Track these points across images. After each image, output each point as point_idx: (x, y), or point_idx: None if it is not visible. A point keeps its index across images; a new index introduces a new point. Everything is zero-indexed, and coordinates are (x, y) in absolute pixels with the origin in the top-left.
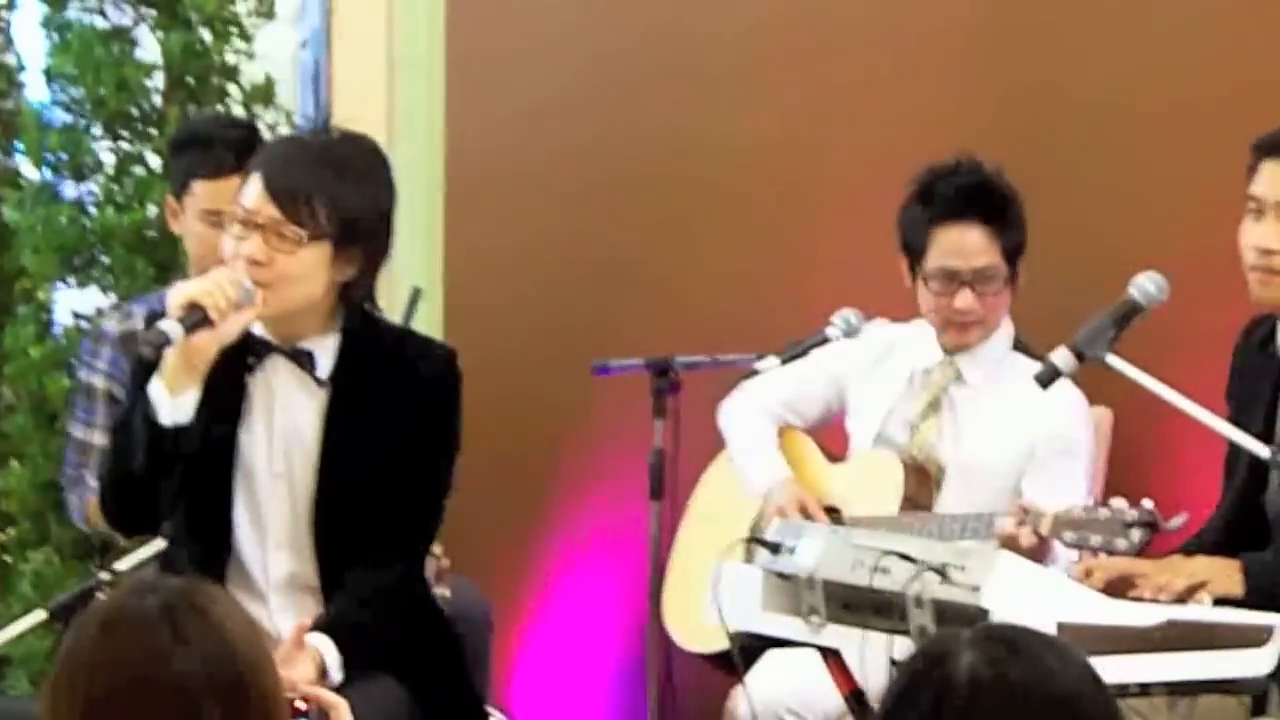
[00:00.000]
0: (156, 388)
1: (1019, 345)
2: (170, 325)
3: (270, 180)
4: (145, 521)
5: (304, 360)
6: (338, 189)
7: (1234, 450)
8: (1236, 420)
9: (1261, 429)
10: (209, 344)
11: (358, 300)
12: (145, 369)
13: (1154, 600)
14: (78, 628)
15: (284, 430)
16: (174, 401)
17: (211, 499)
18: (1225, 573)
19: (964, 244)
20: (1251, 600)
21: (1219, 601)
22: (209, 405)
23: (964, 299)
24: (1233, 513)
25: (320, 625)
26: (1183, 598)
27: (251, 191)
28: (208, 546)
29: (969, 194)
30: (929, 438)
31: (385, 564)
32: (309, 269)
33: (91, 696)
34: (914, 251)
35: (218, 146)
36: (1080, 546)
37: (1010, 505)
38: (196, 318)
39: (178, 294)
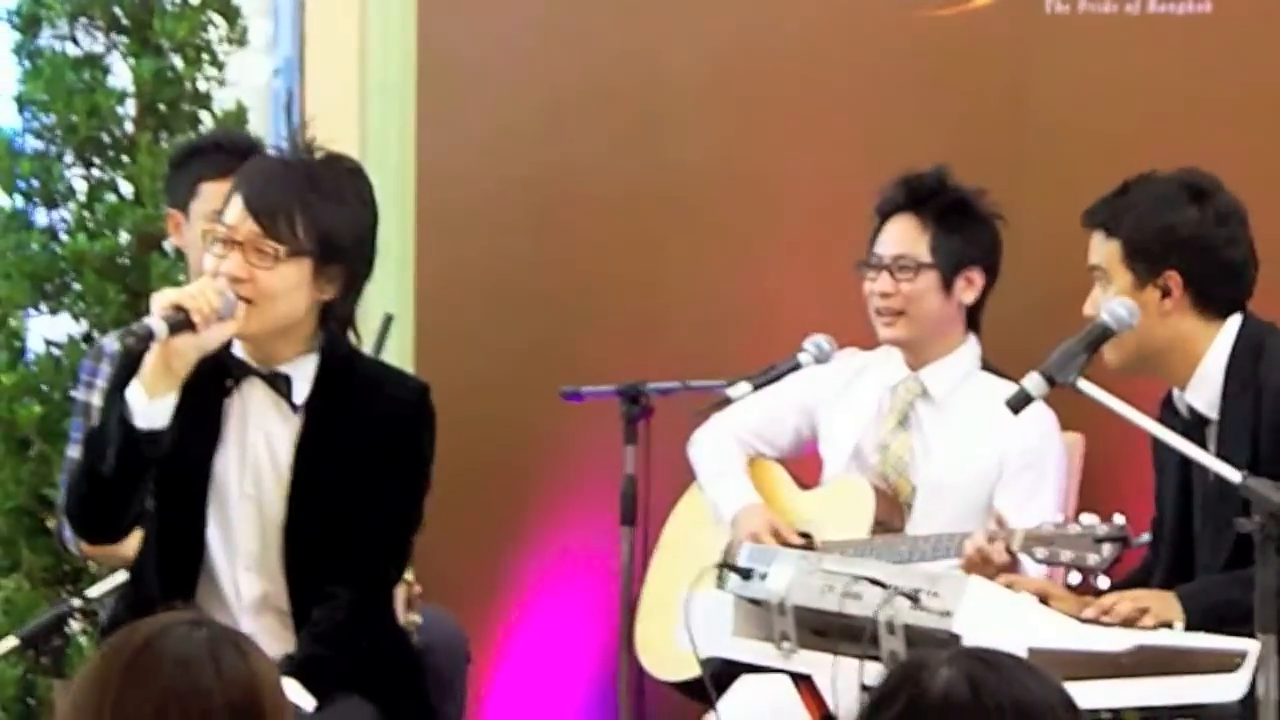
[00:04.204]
0: (135, 391)
1: (987, 367)
2: (155, 322)
3: (250, 197)
4: (110, 528)
5: (281, 384)
6: (317, 206)
7: (1162, 487)
8: (1156, 478)
9: (1177, 481)
10: (190, 348)
11: (339, 322)
12: (123, 376)
13: (1096, 621)
14: (119, 649)
15: (256, 453)
16: (151, 405)
17: (185, 518)
18: (1163, 601)
19: (891, 234)
20: (1196, 624)
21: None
22: (186, 425)
23: (880, 282)
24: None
25: (283, 667)
26: (1129, 620)
27: (232, 209)
28: (179, 565)
29: (912, 191)
30: (901, 455)
31: (350, 594)
32: (290, 285)
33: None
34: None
35: (225, 150)
36: (1051, 563)
37: (984, 523)
38: (180, 318)
39: (162, 297)
